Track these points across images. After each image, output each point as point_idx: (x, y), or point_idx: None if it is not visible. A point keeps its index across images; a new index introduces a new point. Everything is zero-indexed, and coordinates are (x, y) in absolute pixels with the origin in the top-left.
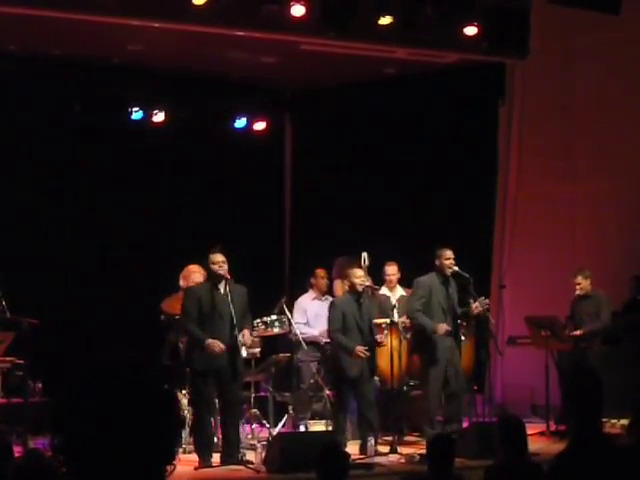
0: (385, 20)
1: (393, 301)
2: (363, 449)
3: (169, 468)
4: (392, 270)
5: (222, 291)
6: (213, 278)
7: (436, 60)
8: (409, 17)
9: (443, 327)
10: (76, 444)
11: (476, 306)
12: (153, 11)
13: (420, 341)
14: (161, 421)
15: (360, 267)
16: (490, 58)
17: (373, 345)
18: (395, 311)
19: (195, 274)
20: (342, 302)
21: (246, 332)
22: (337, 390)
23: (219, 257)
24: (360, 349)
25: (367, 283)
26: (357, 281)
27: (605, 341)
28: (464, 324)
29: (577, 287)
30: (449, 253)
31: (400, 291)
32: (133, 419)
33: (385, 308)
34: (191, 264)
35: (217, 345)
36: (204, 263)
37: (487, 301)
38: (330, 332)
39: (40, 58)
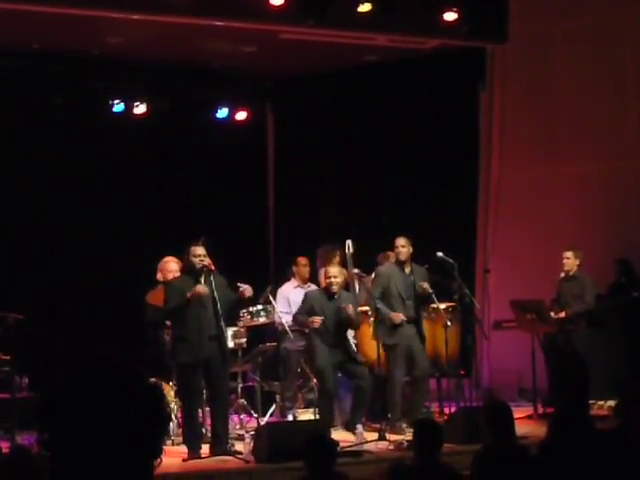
0: (364, 7)
1: None
2: (350, 427)
3: (156, 462)
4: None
5: (203, 282)
6: (193, 271)
7: (416, 46)
8: (388, 4)
9: (398, 316)
10: (63, 440)
11: (424, 286)
12: (132, 3)
13: (380, 329)
14: (147, 416)
15: (343, 256)
16: (470, 43)
17: (346, 343)
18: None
19: (170, 263)
20: (315, 296)
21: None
22: (319, 378)
23: (200, 250)
24: (315, 319)
25: (339, 280)
26: (328, 281)
27: (590, 324)
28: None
29: (563, 261)
30: (401, 241)
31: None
32: (119, 414)
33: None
34: (167, 257)
35: (200, 288)
36: (183, 255)
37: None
38: (294, 316)
39: (19, 52)
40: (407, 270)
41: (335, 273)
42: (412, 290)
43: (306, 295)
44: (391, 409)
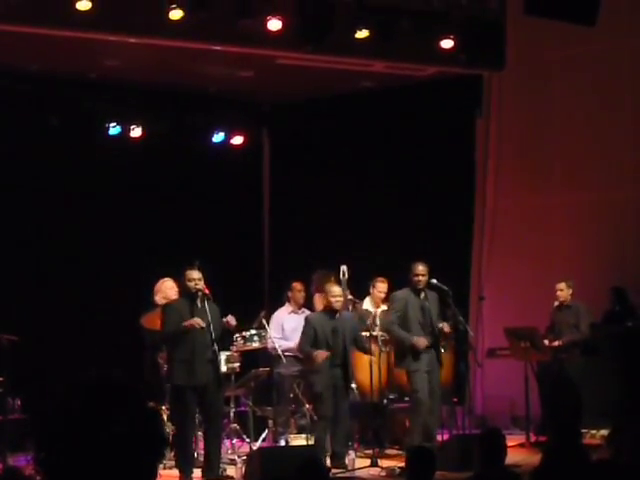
0: (362, 34)
1: (376, 316)
2: (337, 460)
3: None
4: (384, 287)
5: (199, 306)
6: (189, 294)
7: (414, 73)
8: (386, 31)
9: (422, 341)
10: (59, 459)
11: (443, 325)
12: (130, 26)
13: (403, 355)
14: (144, 438)
15: (338, 282)
16: (467, 70)
17: (347, 362)
18: (377, 324)
19: (167, 282)
20: (316, 319)
21: (229, 317)
22: (314, 404)
23: (195, 274)
24: (321, 353)
25: (341, 300)
26: (333, 300)
27: (584, 352)
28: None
29: (557, 294)
30: (420, 268)
31: (384, 307)
32: (117, 435)
33: (365, 321)
34: (165, 278)
35: (196, 321)
36: (179, 278)
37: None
38: (300, 346)
39: (17, 73)
40: (422, 295)
41: (339, 292)
42: (428, 315)
43: (307, 319)
44: (411, 433)
